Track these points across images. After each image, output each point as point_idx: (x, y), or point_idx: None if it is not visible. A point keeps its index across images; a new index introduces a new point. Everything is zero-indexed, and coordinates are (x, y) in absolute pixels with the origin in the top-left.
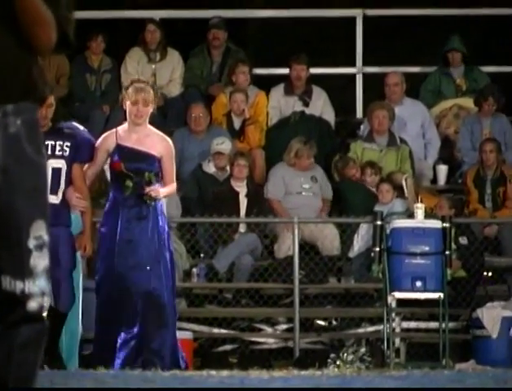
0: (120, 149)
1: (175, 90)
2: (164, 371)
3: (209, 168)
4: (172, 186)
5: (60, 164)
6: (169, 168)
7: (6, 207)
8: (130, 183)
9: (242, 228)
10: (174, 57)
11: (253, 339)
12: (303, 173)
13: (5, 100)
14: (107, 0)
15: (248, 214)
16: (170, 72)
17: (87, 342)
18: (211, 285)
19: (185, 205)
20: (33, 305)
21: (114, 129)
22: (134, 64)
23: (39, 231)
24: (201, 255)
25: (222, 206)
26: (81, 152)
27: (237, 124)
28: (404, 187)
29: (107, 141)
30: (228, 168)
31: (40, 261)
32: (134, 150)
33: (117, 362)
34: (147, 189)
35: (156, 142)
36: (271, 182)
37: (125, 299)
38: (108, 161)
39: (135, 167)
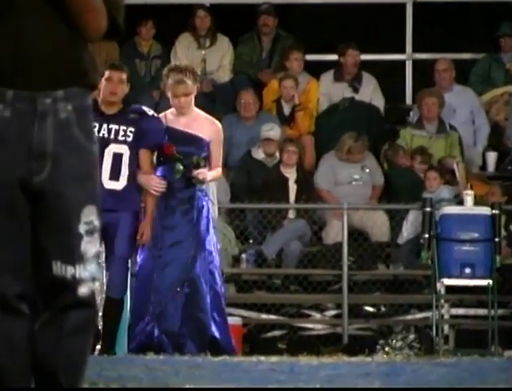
0: (170, 132)
1: (225, 76)
2: (197, 354)
3: (259, 154)
4: (218, 171)
5: (122, 149)
6: (217, 151)
7: (57, 192)
8: (180, 167)
9: (291, 214)
10: (223, 43)
11: (302, 325)
12: (354, 165)
13: (55, 86)
14: None
15: (297, 200)
16: (220, 58)
17: None
18: (260, 271)
19: (234, 191)
20: (83, 290)
21: (163, 113)
22: (184, 50)
23: (90, 216)
24: (250, 241)
25: (272, 192)
26: (148, 137)
27: (287, 110)
28: (456, 172)
29: None
30: (278, 154)
31: (91, 246)
32: (184, 133)
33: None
34: (196, 172)
35: (204, 126)
36: (320, 171)
37: (167, 284)
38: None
39: (185, 150)
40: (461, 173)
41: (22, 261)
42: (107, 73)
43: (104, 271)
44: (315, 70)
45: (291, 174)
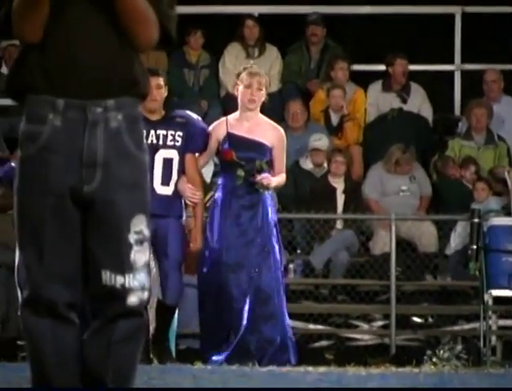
0: (231, 137)
1: (273, 85)
2: (270, 363)
3: (307, 164)
4: (282, 176)
5: (172, 154)
6: (280, 157)
7: (107, 201)
8: (241, 173)
9: (339, 224)
10: (272, 53)
11: (349, 335)
12: (402, 176)
13: (106, 95)
14: None
15: (345, 211)
16: (269, 67)
17: (182, 337)
18: (307, 281)
19: (282, 201)
20: (133, 299)
21: (224, 118)
22: (233, 60)
23: (140, 226)
24: (298, 251)
25: (319, 202)
26: (194, 142)
27: (335, 120)
28: (508, 180)
29: (217, 130)
30: (326, 164)
31: (140, 255)
32: (246, 139)
33: (221, 357)
34: (259, 177)
35: (267, 131)
36: (368, 182)
37: (234, 293)
38: (219, 149)
39: (246, 156)
40: None
41: (73, 269)
42: None
43: (157, 277)
44: (364, 80)
45: (339, 184)
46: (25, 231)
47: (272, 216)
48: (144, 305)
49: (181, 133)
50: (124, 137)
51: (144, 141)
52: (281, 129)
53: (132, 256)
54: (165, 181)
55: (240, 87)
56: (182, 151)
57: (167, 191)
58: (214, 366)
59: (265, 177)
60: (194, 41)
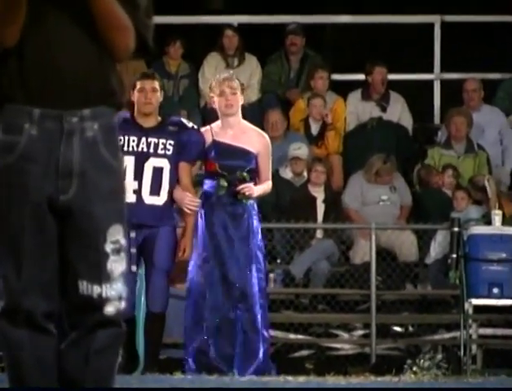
0: (216, 145)
1: (253, 95)
2: (256, 374)
3: (286, 173)
4: (267, 184)
5: (162, 163)
6: (266, 165)
7: (83, 211)
8: (224, 183)
9: (319, 234)
10: (251, 62)
11: (330, 345)
12: (382, 185)
13: (82, 105)
14: (185, 5)
15: (325, 220)
16: (248, 77)
17: (163, 347)
18: (288, 290)
19: (262, 210)
20: (110, 309)
21: (208, 126)
22: (212, 70)
23: (116, 235)
24: (278, 260)
25: (299, 211)
26: (188, 151)
27: (315, 129)
28: (488, 189)
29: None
30: (305, 173)
31: (117, 265)
32: (231, 146)
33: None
34: (241, 187)
35: (252, 138)
36: (348, 191)
37: (221, 303)
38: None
39: (232, 164)
40: (493, 189)
41: (50, 279)
42: (139, 84)
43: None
44: (344, 89)
45: (319, 194)
46: (3, 241)
47: (257, 225)
48: (121, 314)
49: (172, 142)
50: (100, 146)
51: (120, 150)
52: (266, 136)
53: (109, 265)
54: (155, 190)
55: (215, 98)
56: (173, 161)
57: (157, 200)
58: (193, 376)
59: (247, 187)
60: (173, 51)
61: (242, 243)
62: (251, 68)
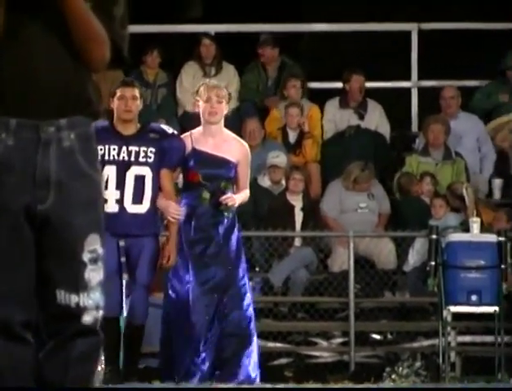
0: (196, 154)
1: (231, 104)
2: (238, 381)
3: (264, 181)
4: (246, 193)
5: (144, 171)
6: (244, 173)
7: (61, 220)
8: (206, 195)
9: (297, 242)
10: (229, 71)
11: (309, 353)
12: (360, 193)
13: (59, 115)
14: (162, 14)
15: (303, 228)
16: (226, 86)
17: (142, 356)
18: (266, 299)
19: (240, 219)
20: (87, 318)
21: (189, 133)
22: (190, 79)
23: (93, 245)
24: (256, 269)
25: (278, 220)
26: (169, 157)
27: (292, 137)
28: (465, 196)
29: None
30: (284, 181)
31: (94, 274)
32: (211, 155)
33: (195, 378)
34: (223, 197)
35: (233, 147)
36: (326, 199)
37: (199, 313)
38: (183, 166)
39: (212, 173)
40: (471, 197)
41: (27, 288)
42: (118, 91)
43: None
44: (322, 98)
45: (297, 202)
46: None
47: (238, 234)
48: (99, 323)
49: (153, 150)
50: (77, 156)
51: (98, 160)
52: (246, 145)
53: (86, 275)
54: (137, 199)
55: (200, 103)
56: (155, 168)
57: (139, 209)
58: (171, 384)
59: (229, 198)
60: (151, 60)
61: (221, 251)
62: (228, 77)
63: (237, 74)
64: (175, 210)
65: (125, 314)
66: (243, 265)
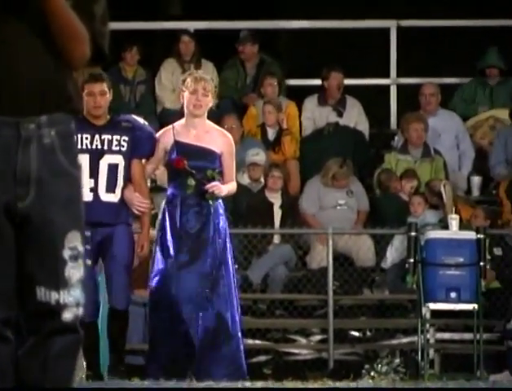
0: (178, 146)
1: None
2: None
3: (244, 179)
4: (233, 184)
5: (117, 159)
6: (230, 164)
7: (41, 218)
8: (192, 181)
9: (276, 239)
10: (208, 68)
11: (288, 350)
12: (339, 189)
13: (39, 112)
14: (142, 11)
15: (282, 225)
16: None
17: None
18: (245, 296)
19: None
20: (67, 315)
21: (170, 126)
22: (169, 76)
23: (74, 242)
24: (236, 266)
25: (257, 217)
26: (141, 147)
27: (271, 135)
28: (443, 193)
29: (164, 138)
30: (262, 179)
31: (75, 271)
32: (194, 146)
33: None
34: (210, 185)
35: (215, 138)
36: (305, 196)
37: (185, 310)
38: (167, 159)
39: (196, 164)
40: (448, 194)
41: (7, 286)
42: (86, 87)
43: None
44: (301, 95)
45: (276, 199)
46: None
47: (223, 225)
48: (79, 320)
49: (126, 138)
50: (57, 153)
51: (78, 157)
52: (230, 136)
53: (67, 272)
54: (111, 188)
55: (186, 93)
56: (128, 157)
57: (113, 197)
58: (150, 382)
59: (215, 186)
60: (130, 57)
61: (208, 244)
62: (207, 74)
63: (216, 71)
64: (140, 203)
65: (107, 299)
66: (227, 266)
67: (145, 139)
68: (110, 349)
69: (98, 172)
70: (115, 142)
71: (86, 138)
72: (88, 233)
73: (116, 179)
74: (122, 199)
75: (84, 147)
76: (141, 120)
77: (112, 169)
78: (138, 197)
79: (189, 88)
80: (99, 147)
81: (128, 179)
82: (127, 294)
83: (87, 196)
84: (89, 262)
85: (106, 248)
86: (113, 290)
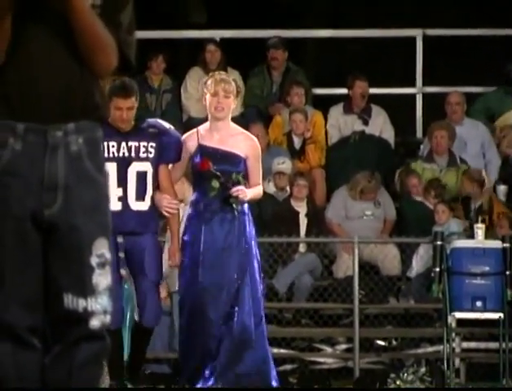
0: (202, 150)
1: (235, 109)
2: None
3: (269, 188)
4: (258, 189)
5: (145, 167)
6: (256, 168)
7: (68, 225)
8: (216, 184)
9: (302, 248)
10: (233, 77)
11: (313, 359)
12: (366, 202)
13: (66, 119)
14: (167, 20)
15: (308, 234)
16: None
17: (147, 362)
18: (271, 305)
19: None
20: (95, 323)
21: (195, 129)
22: (195, 84)
23: (101, 249)
24: (261, 275)
25: (282, 226)
26: (167, 152)
27: (297, 144)
28: (485, 178)
29: (188, 142)
30: (288, 188)
31: (102, 278)
32: (218, 150)
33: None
34: (234, 189)
35: (240, 142)
36: (331, 205)
37: (210, 315)
38: (191, 163)
39: (220, 168)
40: (489, 180)
41: (34, 293)
42: (114, 101)
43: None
44: (327, 103)
45: (301, 208)
46: None
47: (250, 230)
48: (106, 328)
49: (154, 144)
50: (84, 160)
51: (105, 164)
52: (255, 139)
53: (94, 279)
54: (140, 195)
55: (207, 96)
56: (155, 163)
57: (142, 206)
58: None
59: (240, 190)
60: (156, 65)
61: (233, 251)
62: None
63: (242, 80)
64: (169, 204)
65: (135, 316)
66: (252, 272)
67: (172, 144)
68: (131, 363)
69: (126, 180)
70: (142, 149)
71: (113, 146)
72: (121, 239)
73: (146, 186)
74: (152, 206)
75: (111, 155)
76: (167, 125)
77: (141, 176)
78: (167, 198)
79: (210, 90)
80: (127, 154)
81: (156, 186)
82: (158, 312)
83: (116, 205)
84: (124, 272)
85: (136, 259)
86: (145, 308)
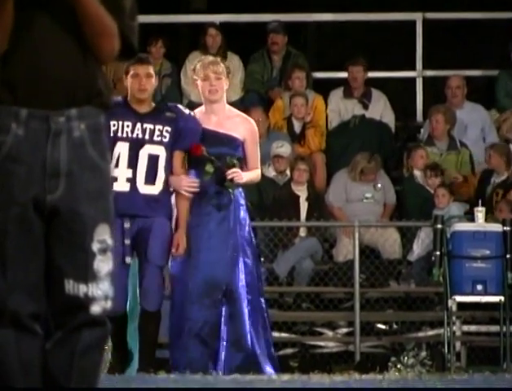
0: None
1: (235, 94)
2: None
3: (269, 172)
4: (256, 172)
5: (158, 150)
6: (253, 151)
7: (70, 211)
8: (211, 168)
9: (302, 232)
10: (234, 61)
11: (314, 343)
12: (366, 183)
13: (69, 105)
14: (167, 5)
15: (308, 218)
16: (230, 76)
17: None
18: (272, 289)
19: None
20: (96, 308)
21: (191, 112)
22: None
23: (103, 235)
24: (261, 259)
25: (283, 210)
26: (183, 138)
27: (298, 128)
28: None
29: None
30: (288, 172)
31: (104, 264)
32: (215, 132)
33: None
34: (229, 171)
35: (237, 124)
36: (332, 189)
37: (204, 297)
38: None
39: (217, 151)
40: None
41: (37, 279)
42: (132, 69)
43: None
44: (327, 88)
45: (302, 192)
46: None
47: (244, 216)
48: (107, 314)
49: (169, 129)
50: (87, 146)
51: (108, 150)
52: (252, 121)
53: (95, 265)
54: (150, 179)
55: (199, 81)
56: (169, 148)
57: (152, 190)
58: (176, 375)
59: (235, 172)
60: (155, 50)
61: (228, 235)
62: (233, 67)
63: (242, 64)
64: (189, 183)
65: (138, 300)
66: (248, 252)
67: (188, 131)
68: (140, 350)
69: (137, 162)
70: (157, 133)
71: (128, 126)
72: (127, 225)
73: (157, 171)
74: (162, 191)
75: (124, 135)
76: (186, 111)
77: (153, 159)
78: (185, 178)
79: (200, 75)
80: (140, 136)
81: (170, 171)
82: (159, 295)
83: (124, 186)
84: (128, 260)
85: (142, 244)
86: (145, 291)
